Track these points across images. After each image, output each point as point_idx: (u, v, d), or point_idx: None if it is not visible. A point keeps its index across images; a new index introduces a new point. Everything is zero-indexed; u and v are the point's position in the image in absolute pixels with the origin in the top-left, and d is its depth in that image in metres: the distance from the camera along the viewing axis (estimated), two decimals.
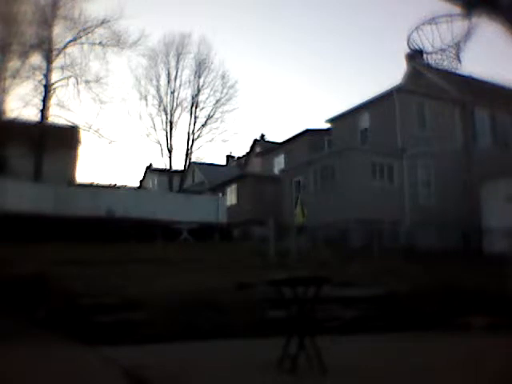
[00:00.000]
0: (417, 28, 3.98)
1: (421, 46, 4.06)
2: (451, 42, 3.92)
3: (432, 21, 3.88)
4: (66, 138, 24.91)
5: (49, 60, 24.87)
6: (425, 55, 4.14)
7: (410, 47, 4.17)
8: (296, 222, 17.02)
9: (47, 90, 24.73)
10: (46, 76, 24.83)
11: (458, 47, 3.94)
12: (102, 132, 26.45)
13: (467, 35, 3.81)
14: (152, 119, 32.84)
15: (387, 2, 75.40)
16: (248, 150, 39.41)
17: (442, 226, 18.30)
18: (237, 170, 37.32)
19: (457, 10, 3.74)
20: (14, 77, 23.81)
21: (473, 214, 19.24)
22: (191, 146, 32.83)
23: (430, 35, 3.95)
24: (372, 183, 20.55)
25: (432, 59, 4.11)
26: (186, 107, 32.90)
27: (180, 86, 32.84)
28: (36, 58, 24.76)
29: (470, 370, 4.90)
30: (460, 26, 3.78)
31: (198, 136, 32.94)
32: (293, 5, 75.00)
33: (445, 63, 4.09)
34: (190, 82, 32.95)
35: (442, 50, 3.99)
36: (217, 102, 33.05)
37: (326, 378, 4.38)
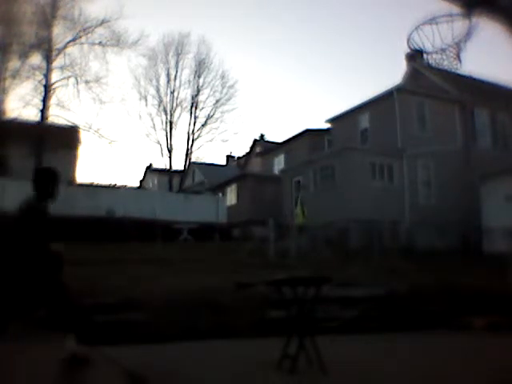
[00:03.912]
0: (417, 28, 3.98)
1: (421, 46, 4.06)
2: (451, 41, 3.92)
3: (432, 21, 3.88)
4: (66, 138, 24.91)
5: (49, 60, 24.89)
6: (425, 55, 4.15)
7: (410, 47, 4.18)
8: (296, 222, 17.02)
9: (47, 90, 24.75)
10: (46, 76, 24.85)
11: (458, 47, 3.94)
12: (102, 132, 26.58)
13: (467, 35, 3.81)
14: (152, 119, 32.93)
15: (387, 2, 75.39)
16: (248, 150, 39.43)
17: (442, 225, 18.30)
18: (237, 170, 37.31)
19: (457, 10, 3.74)
20: (13, 77, 23.84)
21: (473, 214, 19.22)
22: (191, 146, 32.90)
23: (430, 35, 3.95)
24: (372, 183, 20.53)
25: (432, 59, 4.11)
26: (186, 107, 32.98)
27: (180, 85, 32.91)
28: (36, 58, 24.82)
29: (470, 370, 4.90)
30: (460, 26, 3.78)
31: (198, 136, 33.01)
32: (293, 5, 75.01)
33: (445, 63, 4.09)
34: (189, 81, 33.03)
35: (443, 50, 3.99)
36: (217, 101, 33.13)
37: (326, 378, 4.38)
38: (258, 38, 76.30)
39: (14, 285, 4.40)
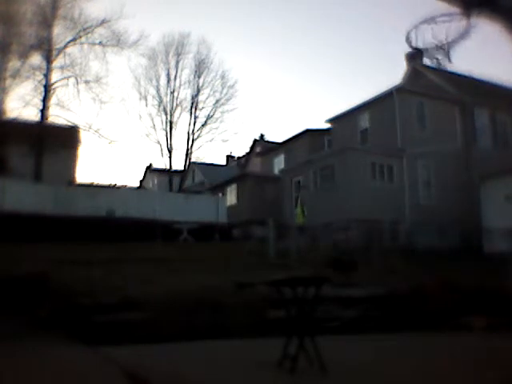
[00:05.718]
0: (415, 27, 4.00)
1: (420, 45, 4.08)
2: (449, 40, 3.94)
3: (431, 20, 3.89)
4: (66, 138, 24.90)
5: (49, 60, 24.88)
6: (424, 54, 4.17)
7: (409, 45, 4.19)
8: (296, 222, 17.00)
9: (47, 90, 24.74)
10: (46, 76, 24.84)
11: (454, 46, 3.95)
12: (102, 132, 26.52)
13: (464, 34, 3.82)
14: (152, 119, 32.89)
15: (387, 2, 75.41)
16: (248, 150, 39.40)
17: (442, 225, 18.29)
18: (237, 170, 37.29)
19: (456, 10, 3.74)
20: (14, 77, 23.83)
21: (473, 213, 19.22)
22: (191, 146, 32.87)
23: (429, 34, 3.96)
24: (372, 183, 20.53)
25: (430, 58, 4.13)
26: (186, 107, 32.95)
27: (180, 85, 32.88)
28: (36, 58, 24.81)
29: (471, 370, 4.90)
30: (458, 25, 3.79)
31: (198, 136, 32.98)
32: (293, 5, 75.03)
33: (442, 61, 4.11)
34: (189, 81, 33.00)
35: (440, 49, 4.00)
36: (217, 101, 33.10)
37: (326, 378, 4.38)
38: (258, 38, 76.36)
39: None
